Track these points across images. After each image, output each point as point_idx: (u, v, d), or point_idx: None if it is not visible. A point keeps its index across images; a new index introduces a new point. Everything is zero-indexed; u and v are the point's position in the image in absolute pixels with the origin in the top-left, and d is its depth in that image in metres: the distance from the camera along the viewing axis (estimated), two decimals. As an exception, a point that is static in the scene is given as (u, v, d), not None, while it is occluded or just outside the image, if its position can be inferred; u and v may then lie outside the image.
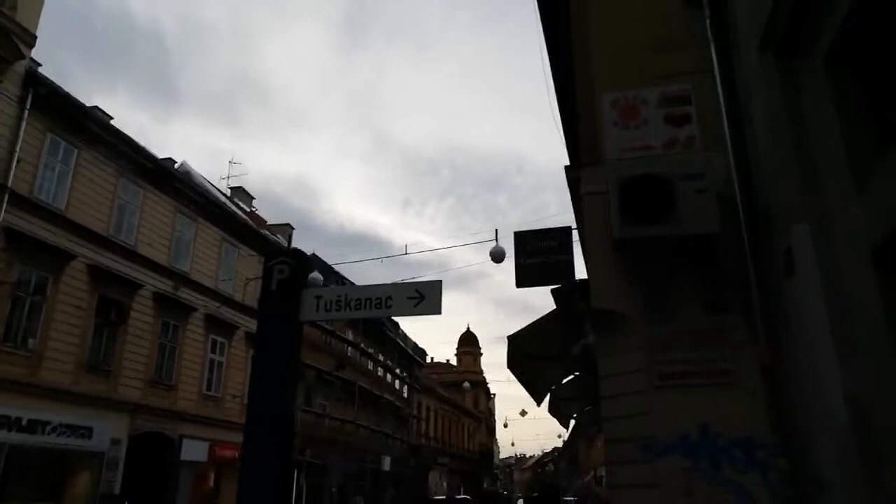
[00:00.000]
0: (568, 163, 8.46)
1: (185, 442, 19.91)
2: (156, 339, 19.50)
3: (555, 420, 11.85)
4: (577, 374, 8.38)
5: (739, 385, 4.46)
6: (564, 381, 8.93)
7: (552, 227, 7.47)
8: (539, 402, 9.04)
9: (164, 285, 19.95)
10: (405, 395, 43.59)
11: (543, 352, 7.18)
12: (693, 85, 5.61)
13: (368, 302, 6.80)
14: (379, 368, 37.98)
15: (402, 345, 42.06)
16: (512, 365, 7.13)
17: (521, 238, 7.42)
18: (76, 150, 17.25)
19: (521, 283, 7.15)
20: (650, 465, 4.44)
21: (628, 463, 4.61)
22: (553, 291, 6.62)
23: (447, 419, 55.53)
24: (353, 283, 26.82)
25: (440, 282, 6.66)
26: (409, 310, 6.67)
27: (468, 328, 75.02)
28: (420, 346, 48.18)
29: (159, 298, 19.62)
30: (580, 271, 6.99)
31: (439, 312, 6.55)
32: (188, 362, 20.81)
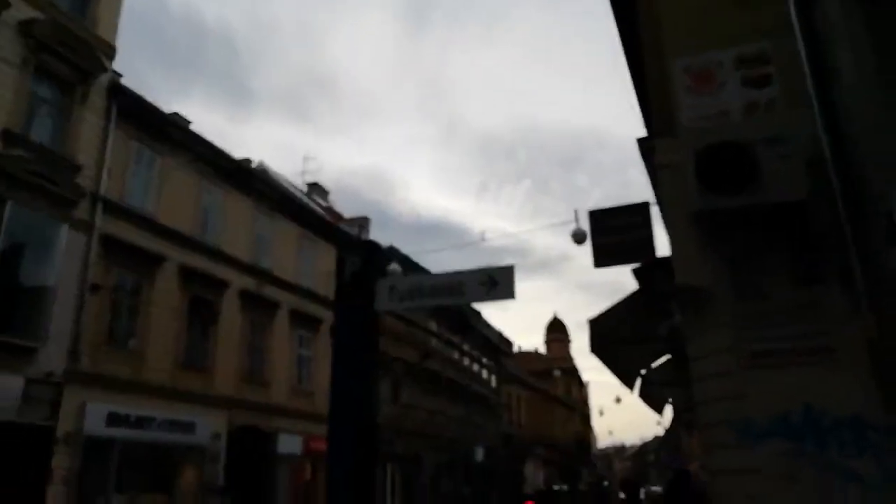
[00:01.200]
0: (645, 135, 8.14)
1: (281, 436, 20.68)
2: (245, 336, 20.31)
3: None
4: (668, 356, 8.07)
5: (842, 361, 4.15)
6: (655, 364, 8.63)
7: (629, 203, 7.17)
8: (631, 388, 8.78)
9: (250, 283, 20.71)
10: (493, 384, 43.12)
11: (629, 335, 6.95)
12: (771, 43, 5.25)
13: (441, 290, 6.82)
14: (465, 358, 37.90)
15: (487, 334, 41.75)
16: (596, 349, 6.93)
17: (597, 217, 7.19)
18: (160, 157, 18.10)
19: (599, 263, 6.93)
20: (749, 449, 4.21)
21: (725, 448, 4.38)
22: (634, 271, 6.38)
23: (539, 409, 54.34)
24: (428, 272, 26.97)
25: (513, 266, 6.57)
26: (482, 296, 6.64)
27: (555, 315, 73.85)
28: (506, 335, 47.60)
29: (245, 296, 20.41)
30: (662, 248, 6.72)
31: (513, 297, 6.47)
32: (277, 357, 21.58)
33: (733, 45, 5.48)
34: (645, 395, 9.60)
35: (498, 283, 6.49)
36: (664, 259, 5.95)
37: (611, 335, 6.90)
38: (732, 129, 4.97)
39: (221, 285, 19.50)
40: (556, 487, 41.97)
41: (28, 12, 14.52)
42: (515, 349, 55.09)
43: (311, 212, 25.69)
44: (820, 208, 4.45)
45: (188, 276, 18.30)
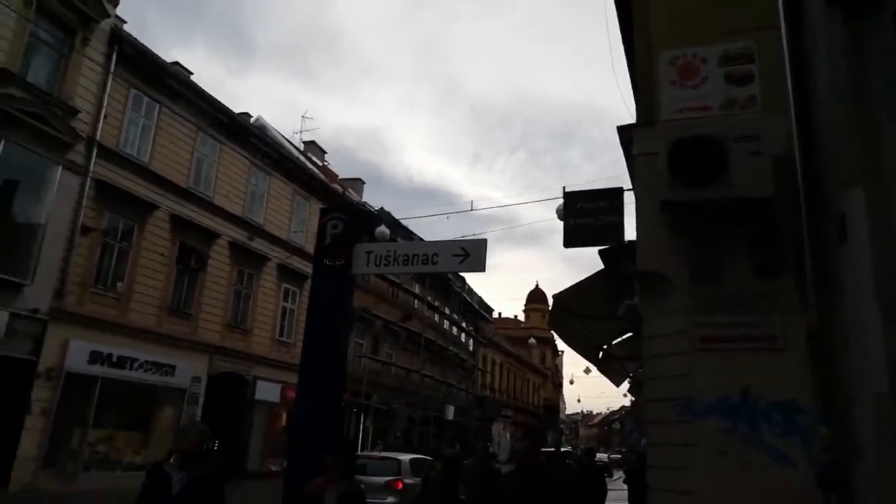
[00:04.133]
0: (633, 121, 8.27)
1: (259, 383, 21.15)
2: (232, 286, 20.57)
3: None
4: (630, 334, 8.37)
5: (786, 350, 4.42)
6: (617, 340, 8.93)
7: (604, 187, 7.39)
8: (593, 361, 9.09)
9: (240, 235, 20.89)
10: (470, 348, 44.41)
11: (592, 311, 7.21)
12: (757, 42, 5.37)
13: (416, 258, 7.05)
14: (445, 321, 38.75)
15: (469, 299, 42.61)
16: (554, 323, 7.19)
17: (572, 198, 7.39)
18: (158, 106, 18.07)
19: (568, 242, 7.17)
20: (688, 424, 4.49)
21: (667, 423, 4.67)
22: (601, 252, 6.60)
23: (512, 373, 56.26)
24: (420, 238, 27.28)
25: (485, 240, 6.86)
26: (454, 266, 6.90)
27: (537, 285, 74.87)
28: (487, 301, 48.75)
29: (235, 248, 20.60)
30: (632, 234, 6.94)
31: (483, 270, 6.76)
32: (262, 309, 21.89)
33: (720, 42, 5.59)
34: (605, 368, 9.92)
35: (470, 255, 6.73)
36: (630, 243, 6.17)
37: (574, 309, 7.16)
38: (709, 124, 5.13)
39: (212, 235, 19.66)
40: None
41: (32, -52, 14.35)
42: (496, 316, 56.20)
43: (306, 171, 25.75)
44: (783, 206, 4.66)
45: (179, 224, 18.44)
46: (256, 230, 21.72)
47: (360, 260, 7.16)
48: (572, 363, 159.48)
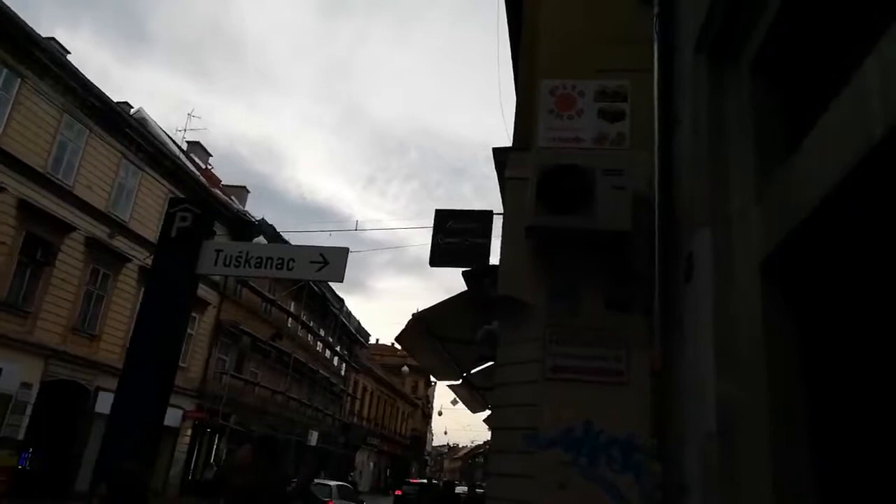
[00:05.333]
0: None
1: (103, 395, 19.25)
2: (83, 286, 18.83)
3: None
4: (491, 363, 8.29)
5: (629, 386, 4.41)
6: (478, 368, 8.83)
7: (476, 209, 7.33)
8: (442, 380, 8.90)
9: (100, 231, 19.26)
10: (342, 372, 43.43)
11: (452, 334, 7.07)
12: (631, 82, 5.54)
13: (270, 261, 6.60)
14: (318, 343, 37.68)
15: (346, 322, 41.74)
16: (406, 339, 6.97)
17: (442, 217, 7.28)
18: (19, 80, 16.45)
19: (434, 262, 7.02)
20: (531, 456, 4.36)
21: (511, 452, 4.52)
22: (464, 273, 6.51)
23: (383, 401, 55.55)
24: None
25: (346, 249, 6.57)
26: (311, 274, 6.58)
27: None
28: (365, 326, 47.99)
29: (92, 244, 18.93)
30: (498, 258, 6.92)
31: (341, 280, 6.52)
32: (115, 314, 20.21)
33: (598, 78, 5.74)
34: (464, 396, 9.78)
35: (329, 263, 6.40)
36: (494, 266, 6.11)
37: (434, 330, 6.97)
38: (579, 155, 5.19)
39: (65, 228, 17.96)
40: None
41: None
42: (372, 341, 55.46)
43: (185, 170, 24.33)
44: (639, 242, 4.71)
45: (27, 210, 16.70)
46: (120, 227, 20.12)
47: (207, 259, 6.57)
48: (444, 394, 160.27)
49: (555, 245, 4.89)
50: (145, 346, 6.07)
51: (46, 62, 17.12)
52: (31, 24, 16.58)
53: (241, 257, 6.58)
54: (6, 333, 16.06)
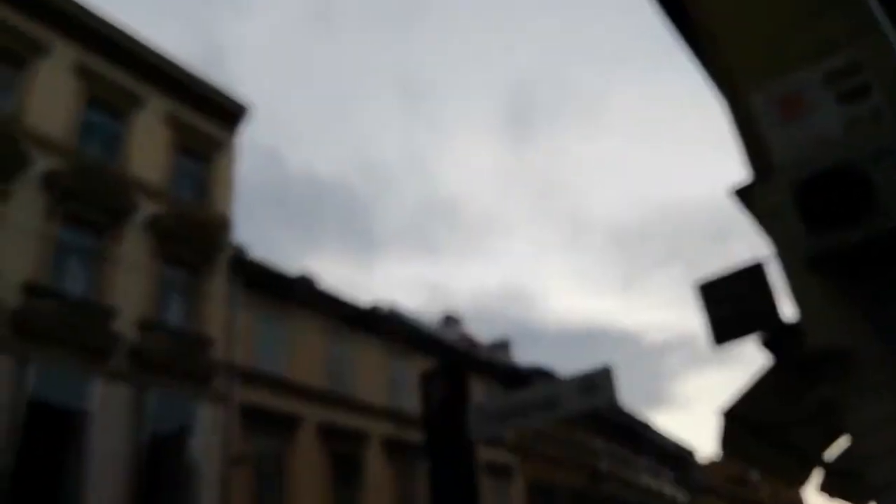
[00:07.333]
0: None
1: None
2: (395, 490, 19.32)
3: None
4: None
5: None
6: (834, 452, 6.56)
7: (739, 267, 5.78)
8: (800, 483, 6.67)
9: (389, 429, 20.02)
10: (676, 499, 38.55)
11: (771, 418, 5.27)
12: (858, 50, 4.30)
13: (536, 405, 5.86)
14: (642, 475, 34.25)
15: (662, 444, 37.71)
16: (730, 445, 5.29)
17: (706, 289, 5.81)
18: (287, 318, 18.56)
19: (719, 340, 5.49)
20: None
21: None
22: (763, 345, 4.99)
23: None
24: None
25: (609, 367, 5.52)
26: (581, 404, 5.64)
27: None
28: (689, 439, 42.69)
29: (389, 443, 19.65)
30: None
31: (614, 401, 5.51)
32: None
33: (817, 61, 4.48)
34: (833, 490, 7.23)
35: (597, 386, 5.44)
36: (794, 323, 4.54)
37: (751, 421, 5.24)
38: (833, 154, 3.87)
39: (362, 436, 18.97)
40: None
41: (152, 209, 15.96)
42: (704, 454, 48.98)
43: (444, 344, 25.09)
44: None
45: (327, 432, 18.00)
46: (404, 419, 20.82)
47: (476, 421, 6.29)
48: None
49: (850, 267, 3.45)
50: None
51: (305, 296, 19.17)
52: (279, 267, 18.88)
53: (505, 411, 6.17)
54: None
